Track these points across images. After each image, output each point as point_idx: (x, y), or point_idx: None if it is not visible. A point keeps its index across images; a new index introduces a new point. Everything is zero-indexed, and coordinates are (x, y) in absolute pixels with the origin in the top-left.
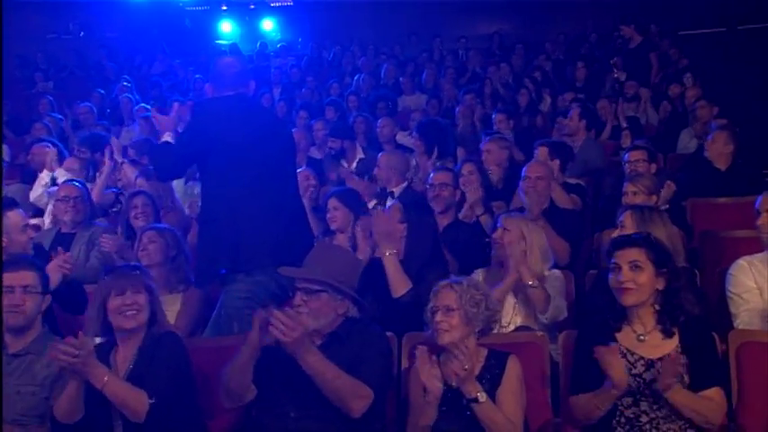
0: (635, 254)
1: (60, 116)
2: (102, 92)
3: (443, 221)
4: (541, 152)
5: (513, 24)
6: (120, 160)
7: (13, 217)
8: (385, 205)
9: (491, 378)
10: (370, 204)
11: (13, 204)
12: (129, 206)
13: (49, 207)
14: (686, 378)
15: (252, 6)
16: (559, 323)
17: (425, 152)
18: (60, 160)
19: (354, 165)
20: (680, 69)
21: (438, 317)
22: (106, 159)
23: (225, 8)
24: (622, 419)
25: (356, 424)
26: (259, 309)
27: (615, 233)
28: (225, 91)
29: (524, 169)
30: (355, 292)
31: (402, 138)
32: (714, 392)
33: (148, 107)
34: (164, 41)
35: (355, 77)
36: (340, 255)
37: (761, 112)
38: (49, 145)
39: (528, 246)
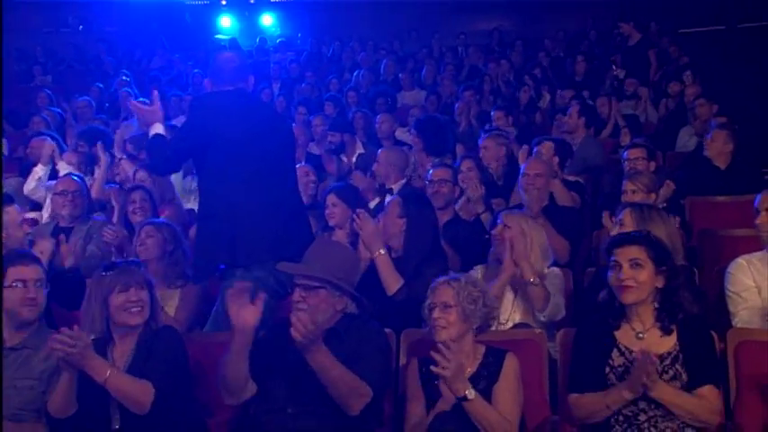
0: (635, 252)
1: (60, 110)
2: (101, 86)
3: (443, 218)
4: (546, 147)
5: (513, 21)
6: (118, 156)
7: (11, 212)
8: (384, 202)
9: (488, 375)
10: (372, 203)
11: (9, 200)
12: (127, 201)
13: (47, 201)
14: (684, 376)
15: (251, 1)
16: (558, 320)
17: (423, 149)
18: (59, 154)
19: (354, 159)
20: (679, 67)
21: (435, 314)
22: (100, 154)
23: (224, 3)
24: (620, 417)
25: (354, 421)
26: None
27: (614, 231)
28: (224, 86)
29: (523, 166)
30: (354, 288)
31: (401, 134)
32: (707, 390)
33: (146, 101)
34: (163, 36)
35: (354, 73)
36: (339, 251)
37: (760, 110)
38: (48, 138)
39: (528, 243)
